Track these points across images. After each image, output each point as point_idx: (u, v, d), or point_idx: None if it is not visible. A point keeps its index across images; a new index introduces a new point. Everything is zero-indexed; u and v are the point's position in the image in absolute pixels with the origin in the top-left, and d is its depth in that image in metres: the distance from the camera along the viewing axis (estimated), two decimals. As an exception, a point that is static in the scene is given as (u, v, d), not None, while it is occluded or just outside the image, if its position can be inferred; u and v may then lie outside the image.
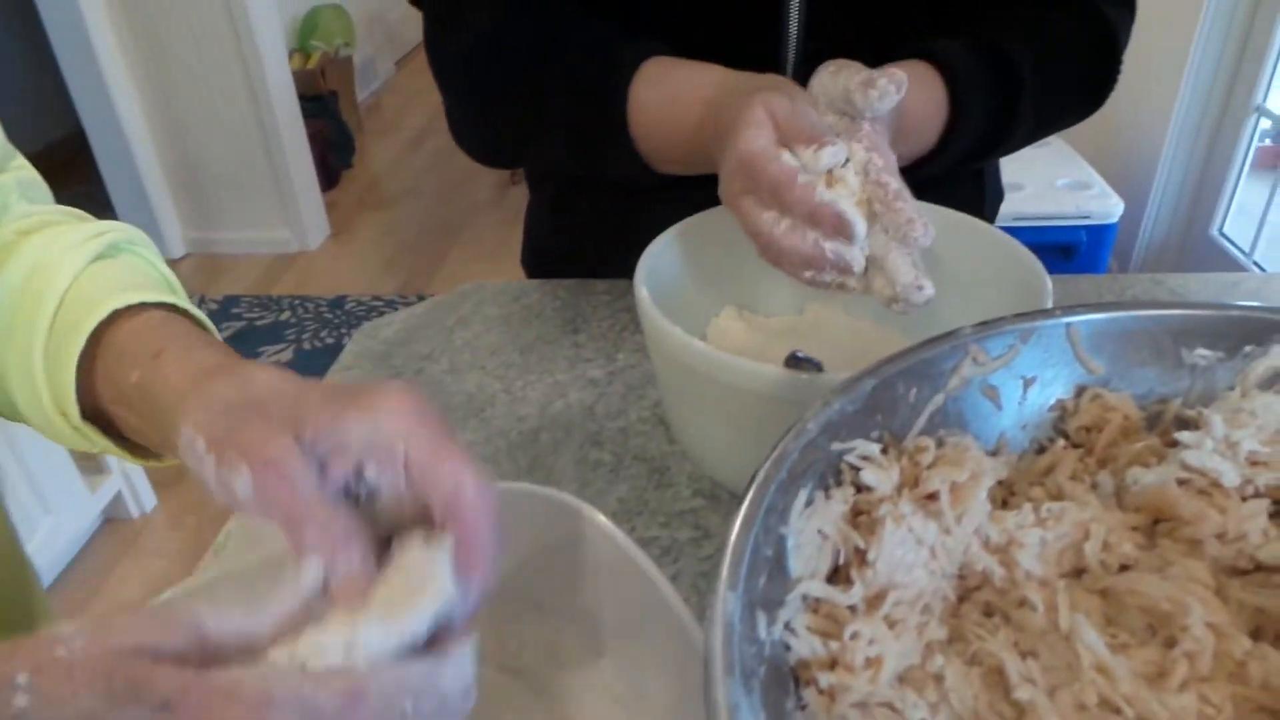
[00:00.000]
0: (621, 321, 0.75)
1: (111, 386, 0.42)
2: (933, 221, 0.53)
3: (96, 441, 0.44)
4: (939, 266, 0.60)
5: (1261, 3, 2.10)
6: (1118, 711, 0.32)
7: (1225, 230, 2.33)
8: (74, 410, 0.42)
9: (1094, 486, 0.42)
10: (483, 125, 0.72)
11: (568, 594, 0.43)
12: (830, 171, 0.49)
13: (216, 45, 2.70)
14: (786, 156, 0.49)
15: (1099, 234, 2.20)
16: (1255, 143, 2.24)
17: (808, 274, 0.49)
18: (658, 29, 0.64)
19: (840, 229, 0.49)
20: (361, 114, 4.23)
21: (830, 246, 0.49)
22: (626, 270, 0.81)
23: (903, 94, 0.49)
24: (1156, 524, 0.40)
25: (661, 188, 0.66)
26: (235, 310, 2.78)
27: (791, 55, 0.67)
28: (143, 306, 0.43)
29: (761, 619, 0.32)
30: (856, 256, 0.48)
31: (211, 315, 2.77)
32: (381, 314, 0.77)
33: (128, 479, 1.92)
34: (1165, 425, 0.44)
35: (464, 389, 0.68)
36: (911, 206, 0.49)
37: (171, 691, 0.25)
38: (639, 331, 0.73)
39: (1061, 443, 0.44)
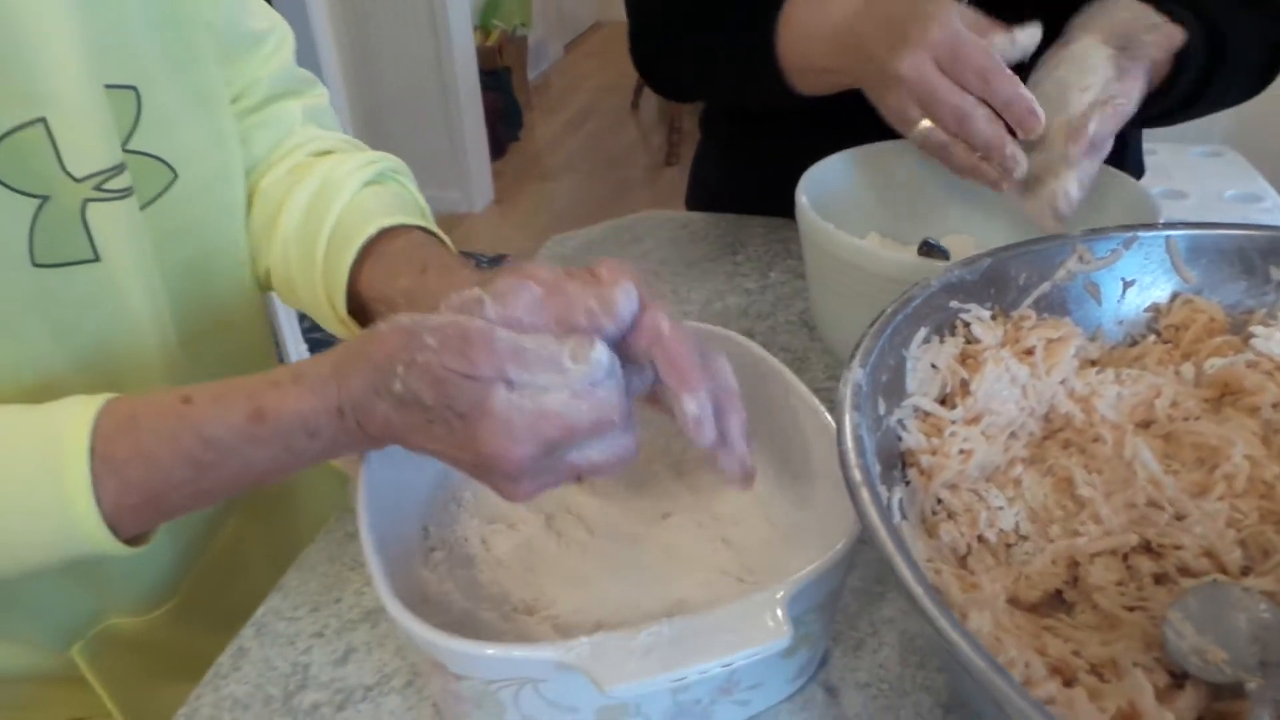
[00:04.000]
0: (774, 249, 0.85)
1: (376, 289, 0.52)
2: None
3: (355, 332, 0.55)
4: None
5: None
6: (1160, 509, 0.41)
7: None
8: (342, 305, 0.54)
9: (1177, 374, 0.50)
10: (660, 51, 0.83)
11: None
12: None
13: (412, 16, 2.96)
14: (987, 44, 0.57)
15: (1265, 248, 2.12)
16: None
17: (972, 163, 0.59)
18: None
19: (1027, 122, 0.57)
20: (530, 91, 4.47)
21: (1010, 147, 0.57)
22: (779, 211, 0.91)
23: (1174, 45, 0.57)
24: (1223, 398, 0.48)
25: (818, 134, 0.75)
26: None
27: None
28: (405, 228, 0.54)
29: (881, 404, 0.42)
30: (1024, 161, 0.57)
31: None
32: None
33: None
34: (1247, 331, 0.51)
35: (638, 288, 0.80)
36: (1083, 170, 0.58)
37: (465, 407, 0.36)
38: (791, 257, 0.84)
39: (1152, 338, 0.52)
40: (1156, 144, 2.51)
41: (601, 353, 0.36)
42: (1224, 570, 0.39)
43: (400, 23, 2.98)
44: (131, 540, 0.41)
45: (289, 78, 0.61)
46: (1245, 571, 0.39)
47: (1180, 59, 0.65)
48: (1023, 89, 0.56)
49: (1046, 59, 0.62)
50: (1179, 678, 0.36)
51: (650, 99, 4.37)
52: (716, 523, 0.51)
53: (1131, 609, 0.39)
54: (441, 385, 0.35)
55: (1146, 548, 0.41)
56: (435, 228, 0.56)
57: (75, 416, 0.39)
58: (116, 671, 0.57)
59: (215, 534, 0.62)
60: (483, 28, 3.94)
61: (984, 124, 0.57)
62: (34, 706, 0.59)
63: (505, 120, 3.87)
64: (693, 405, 0.38)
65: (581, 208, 3.53)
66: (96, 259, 0.47)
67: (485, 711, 0.38)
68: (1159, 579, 0.40)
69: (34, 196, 0.44)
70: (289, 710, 0.45)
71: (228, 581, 0.63)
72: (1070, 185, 0.58)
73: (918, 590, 0.29)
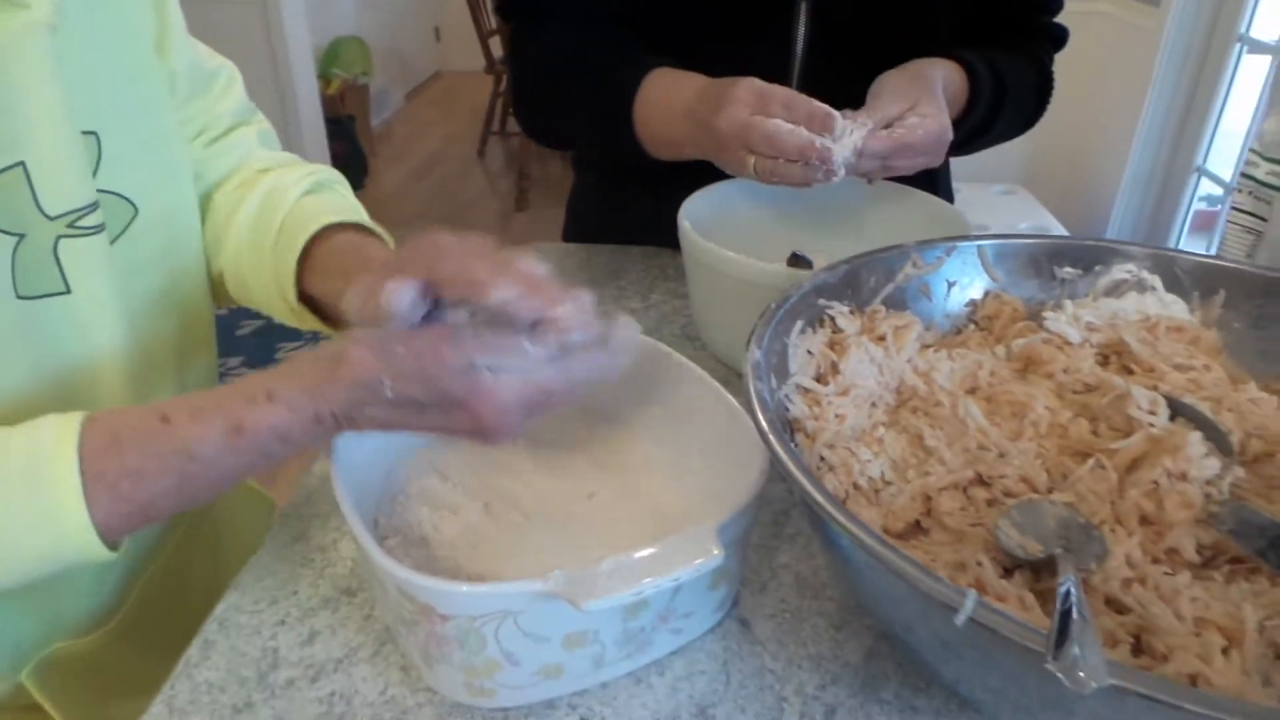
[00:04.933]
0: (653, 274, 0.95)
1: (318, 287, 0.59)
2: (893, 195, 0.77)
3: (306, 319, 0.61)
4: (898, 224, 0.82)
5: (1205, 66, 2.36)
6: (988, 450, 0.53)
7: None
8: (293, 296, 0.60)
9: (993, 353, 0.63)
10: (540, 112, 0.93)
11: (635, 404, 0.62)
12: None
13: (254, 66, 2.93)
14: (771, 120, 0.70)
15: (1054, 272, 2.43)
16: (1195, 202, 2.49)
17: (798, 172, 0.69)
18: (682, 49, 0.85)
19: (825, 123, 0.69)
20: (374, 139, 4.46)
21: (819, 141, 0.68)
22: (652, 241, 1.01)
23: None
24: (1027, 368, 0.60)
25: (680, 177, 0.86)
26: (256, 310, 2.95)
27: (795, 76, 0.88)
28: (342, 226, 0.61)
29: (773, 379, 0.52)
30: (839, 155, 0.69)
31: (231, 313, 2.95)
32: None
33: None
34: (1041, 317, 0.65)
35: (534, 311, 0.88)
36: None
37: (461, 394, 0.43)
38: (668, 280, 0.94)
39: (972, 327, 0.65)
40: (960, 184, 2.81)
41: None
42: (1035, 490, 0.50)
43: (243, 73, 2.94)
44: (111, 545, 0.45)
45: (243, 109, 0.68)
46: (1050, 490, 0.51)
47: (973, 98, 0.81)
48: (816, 104, 0.69)
49: None
50: (1009, 571, 0.47)
51: (497, 146, 4.46)
52: (637, 496, 0.59)
53: (973, 526, 0.50)
54: (432, 383, 0.42)
55: (980, 480, 0.52)
56: (370, 224, 0.63)
57: (59, 439, 0.43)
58: (66, 694, 0.59)
59: (155, 555, 0.65)
60: (324, 76, 3.92)
61: (789, 136, 0.68)
62: (-23, 735, 0.59)
63: (350, 168, 3.84)
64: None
65: (434, 253, 3.55)
66: (68, 291, 0.50)
67: (468, 650, 0.44)
68: (990, 502, 0.51)
69: (11, 234, 0.47)
70: (265, 687, 0.50)
71: (166, 602, 0.65)
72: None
73: (818, 497, 0.38)
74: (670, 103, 0.80)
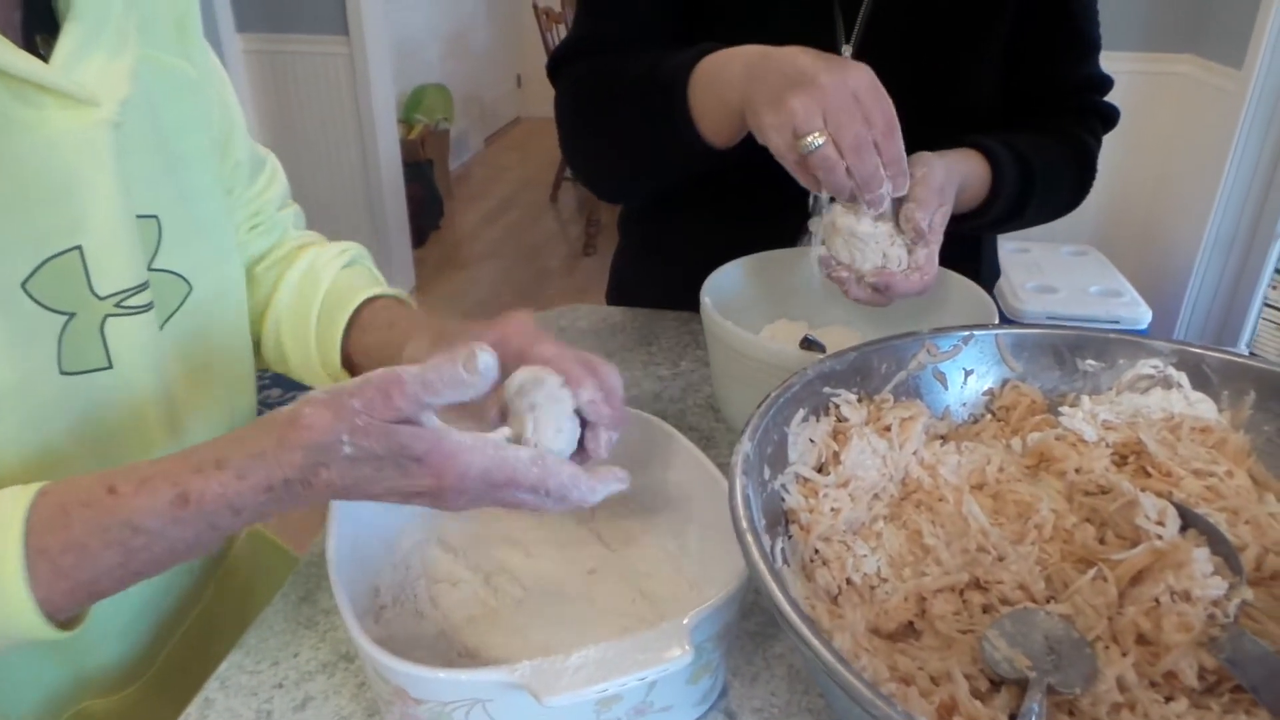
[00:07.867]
0: (685, 341, 0.96)
1: (359, 347, 0.65)
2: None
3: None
4: (928, 308, 0.81)
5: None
6: (987, 553, 0.51)
7: (1255, 347, 2.47)
8: (336, 365, 0.65)
9: (1008, 446, 0.62)
10: (589, 141, 0.89)
11: (642, 483, 0.63)
12: None
13: (339, 113, 3.06)
14: None
15: (1126, 338, 2.35)
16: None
17: (848, 188, 0.67)
18: None
19: (898, 181, 0.67)
20: (451, 181, 4.59)
21: (885, 188, 0.66)
22: (688, 305, 1.02)
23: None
24: (1040, 464, 0.59)
25: (718, 239, 0.86)
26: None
27: None
28: (379, 297, 0.67)
29: (767, 470, 0.52)
30: (889, 205, 0.69)
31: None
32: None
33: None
34: (1057, 411, 0.63)
35: (562, 375, 0.89)
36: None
37: (422, 451, 0.43)
38: (699, 348, 0.94)
39: (989, 417, 0.64)
40: (1030, 244, 2.77)
41: (487, 360, 0.43)
42: (1033, 599, 0.49)
43: (327, 119, 3.07)
44: (65, 623, 0.44)
45: (285, 194, 0.74)
46: (1049, 599, 0.49)
47: (995, 188, 0.80)
48: (905, 155, 0.66)
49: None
50: (997, 684, 0.45)
51: (569, 192, 4.54)
52: (634, 576, 0.59)
53: (964, 632, 0.48)
54: (391, 436, 0.42)
55: (976, 584, 0.51)
56: (402, 294, 0.69)
57: (10, 514, 0.42)
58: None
59: (184, 615, 0.67)
60: (406, 121, 4.06)
61: (871, 160, 0.65)
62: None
63: (426, 210, 3.97)
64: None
65: (502, 295, 3.63)
66: (110, 367, 0.53)
67: (440, 733, 0.44)
68: (986, 608, 0.50)
69: (62, 314, 0.50)
70: (256, 751, 0.51)
71: (197, 660, 0.67)
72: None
73: (779, 597, 0.38)
74: (730, 61, 0.73)
